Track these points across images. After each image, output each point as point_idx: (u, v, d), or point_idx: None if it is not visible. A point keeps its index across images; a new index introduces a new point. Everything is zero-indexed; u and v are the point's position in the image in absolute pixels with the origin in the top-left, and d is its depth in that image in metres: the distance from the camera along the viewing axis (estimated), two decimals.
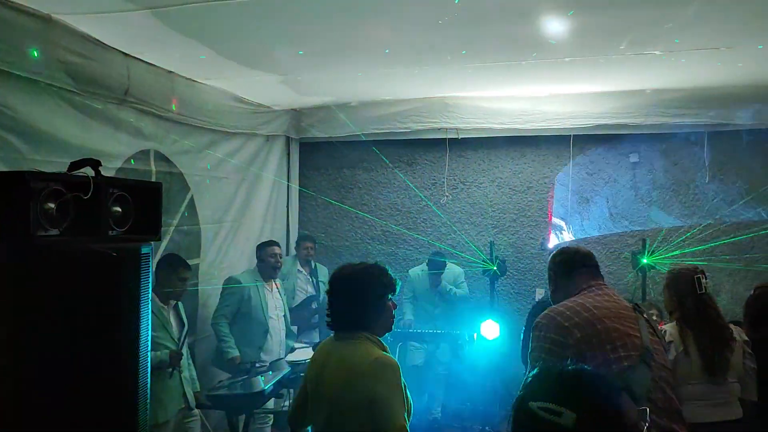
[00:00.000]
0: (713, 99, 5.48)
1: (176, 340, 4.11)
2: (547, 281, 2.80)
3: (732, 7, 3.46)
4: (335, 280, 2.59)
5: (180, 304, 4.30)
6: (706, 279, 3.47)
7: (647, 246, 5.85)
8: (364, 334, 2.48)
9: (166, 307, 4.15)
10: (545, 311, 2.53)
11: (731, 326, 3.49)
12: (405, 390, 2.41)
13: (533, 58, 4.45)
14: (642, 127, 5.79)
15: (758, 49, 4.19)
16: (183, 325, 4.28)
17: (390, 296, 2.55)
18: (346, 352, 2.47)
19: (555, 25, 3.76)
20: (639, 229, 6.03)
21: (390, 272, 2.57)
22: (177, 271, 4.15)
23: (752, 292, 4.06)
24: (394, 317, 2.59)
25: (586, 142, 6.15)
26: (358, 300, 2.49)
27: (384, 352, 2.46)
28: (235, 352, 4.70)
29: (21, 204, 2.08)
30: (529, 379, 1.32)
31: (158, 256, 4.26)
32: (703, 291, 3.42)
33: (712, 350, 3.29)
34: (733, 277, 5.81)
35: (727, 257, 5.82)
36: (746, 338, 3.50)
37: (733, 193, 5.80)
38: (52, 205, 2.19)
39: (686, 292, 3.41)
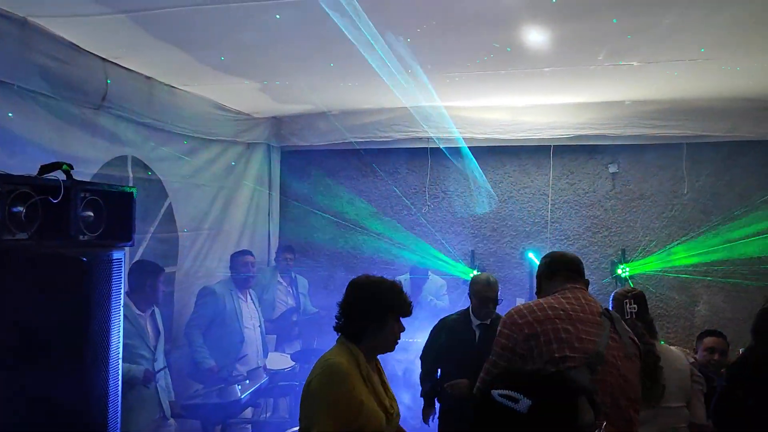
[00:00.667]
0: (692, 111, 5.55)
1: (152, 348, 4.05)
2: (539, 278, 2.96)
3: (707, 19, 3.50)
4: (348, 286, 2.59)
5: (157, 311, 4.24)
6: (633, 303, 3.48)
7: (626, 256, 5.91)
8: (348, 345, 2.48)
9: (143, 314, 4.10)
10: (514, 309, 2.73)
11: (680, 350, 3.54)
12: (353, 402, 2.36)
13: (513, 68, 4.47)
14: (621, 138, 5.83)
15: (733, 61, 4.25)
16: (159, 333, 4.22)
17: (395, 316, 2.52)
18: (322, 355, 2.49)
19: (533, 36, 3.78)
20: (618, 238, 6.07)
21: (404, 294, 2.55)
22: (153, 276, 4.09)
23: (764, 304, 4.06)
24: (397, 339, 2.55)
25: (566, 153, 6.18)
26: (358, 307, 2.50)
27: (338, 359, 2.42)
28: (212, 362, 4.63)
29: None
30: (494, 371, 1.40)
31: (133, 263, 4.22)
32: (628, 316, 3.39)
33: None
34: (710, 289, 5.86)
35: (704, 268, 5.86)
36: (693, 360, 3.51)
37: (711, 204, 5.85)
38: (21, 209, 2.16)
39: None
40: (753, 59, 4.25)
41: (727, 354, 4.16)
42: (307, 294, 6.15)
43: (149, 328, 4.14)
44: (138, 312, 4.05)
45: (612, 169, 6.10)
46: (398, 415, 2.57)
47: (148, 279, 4.11)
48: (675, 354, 3.51)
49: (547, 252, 3.06)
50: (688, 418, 3.36)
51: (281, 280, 5.99)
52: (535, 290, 2.99)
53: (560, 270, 2.86)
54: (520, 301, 6.12)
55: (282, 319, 5.73)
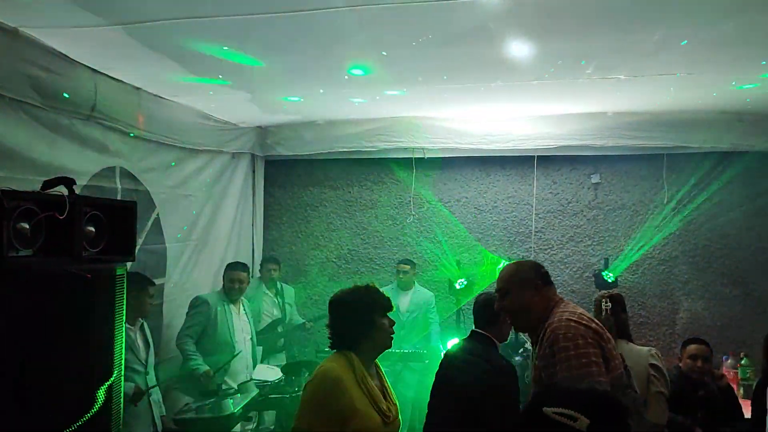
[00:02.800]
0: (671, 123, 5.70)
1: (143, 361, 4.00)
2: (522, 292, 2.64)
3: (694, 36, 3.60)
4: (329, 304, 2.76)
5: (146, 324, 4.19)
6: (608, 302, 3.64)
7: (608, 264, 6.01)
8: (344, 352, 2.62)
9: (132, 327, 4.05)
10: (568, 322, 2.44)
11: (651, 351, 3.63)
12: (343, 405, 2.46)
13: (502, 80, 4.53)
14: (603, 149, 5.95)
15: (714, 75, 4.37)
16: (149, 345, 4.18)
17: (381, 314, 2.68)
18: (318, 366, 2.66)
19: (523, 49, 3.84)
20: (601, 248, 6.17)
21: (380, 291, 2.72)
22: (144, 289, 4.06)
23: None
24: (391, 334, 2.70)
25: (550, 163, 6.28)
26: (344, 320, 2.67)
27: (331, 364, 2.57)
28: (206, 367, 4.57)
29: None
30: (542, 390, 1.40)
31: None
32: (603, 314, 3.57)
33: None
34: (690, 296, 5.98)
35: (685, 276, 5.99)
36: (655, 363, 3.61)
37: (690, 214, 5.99)
38: (26, 225, 2.12)
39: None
40: (733, 74, 4.39)
41: (710, 360, 4.25)
42: (293, 303, 6.12)
43: (139, 342, 4.10)
44: (128, 325, 3.96)
45: (594, 179, 6.21)
46: (398, 419, 2.66)
47: (135, 291, 4.04)
48: (635, 353, 3.58)
49: (530, 262, 2.86)
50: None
51: (267, 291, 5.95)
52: (528, 298, 2.64)
53: (550, 280, 2.71)
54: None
55: (267, 330, 5.69)
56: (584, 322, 2.43)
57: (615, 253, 6.11)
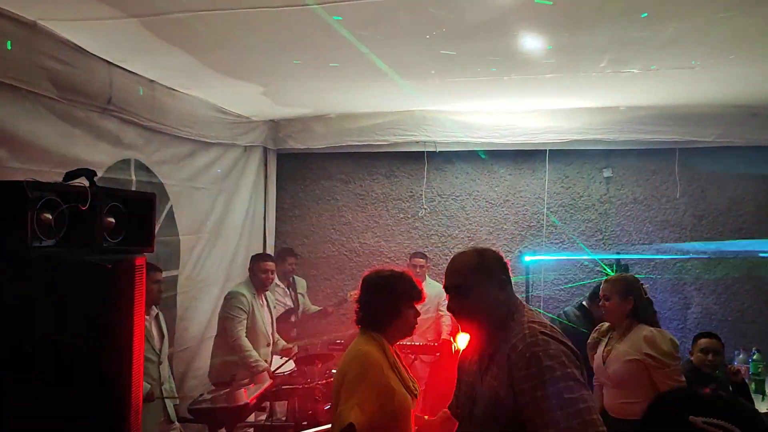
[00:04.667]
0: (685, 116, 5.67)
1: (157, 351, 4.08)
2: (486, 289, 2.21)
3: (709, 29, 3.58)
4: (362, 282, 2.78)
5: (161, 315, 4.25)
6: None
7: (620, 259, 6.00)
8: (372, 333, 2.66)
9: (147, 317, 4.08)
10: (543, 336, 2.05)
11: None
12: (385, 386, 2.51)
13: (516, 74, 4.53)
14: (616, 143, 5.94)
15: (729, 69, 4.35)
16: (163, 335, 4.24)
17: (409, 304, 2.70)
18: (350, 346, 2.71)
19: (537, 44, 3.84)
20: (612, 242, 6.16)
21: (412, 281, 2.74)
22: (148, 274, 4.09)
23: None
24: (414, 325, 2.74)
25: (561, 157, 6.27)
26: (374, 302, 2.69)
27: (368, 347, 2.60)
28: (264, 364, 4.72)
29: (18, 214, 2.04)
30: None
31: None
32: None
33: None
34: (702, 291, 5.97)
35: (697, 271, 5.98)
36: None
37: (703, 208, 5.97)
38: (49, 216, 2.15)
39: None
40: (747, 68, 4.36)
41: (722, 354, 4.25)
42: (305, 294, 6.17)
43: (154, 331, 4.16)
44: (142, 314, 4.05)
45: (606, 173, 6.20)
46: (419, 393, 2.73)
47: (149, 280, 4.09)
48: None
49: (490, 251, 2.31)
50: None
51: (279, 283, 6.00)
52: (495, 296, 2.21)
53: (508, 281, 2.25)
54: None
55: (281, 320, 5.74)
56: (558, 336, 2.07)
57: (626, 247, 6.10)
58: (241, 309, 4.87)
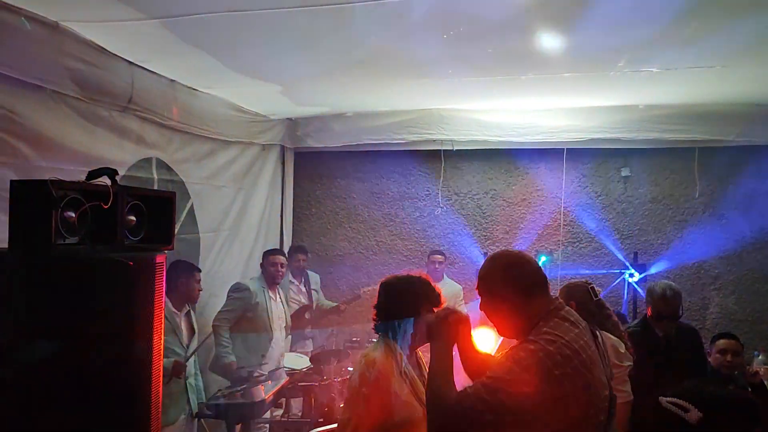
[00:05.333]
0: (703, 115, 5.62)
1: (185, 346, 4.19)
2: (489, 298, 2.14)
3: (729, 28, 3.55)
4: (380, 288, 2.75)
5: (192, 311, 4.37)
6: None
7: (638, 259, 5.97)
8: (387, 340, 2.62)
9: (178, 313, 4.25)
10: (527, 345, 1.95)
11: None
12: (387, 395, 2.49)
13: (533, 73, 4.52)
14: (634, 142, 5.90)
15: (751, 68, 4.31)
16: (194, 332, 4.37)
17: (428, 308, 2.63)
18: (362, 352, 2.70)
19: (555, 43, 3.83)
20: (630, 241, 6.12)
21: (431, 285, 2.70)
22: (192, 275, 4.26)
23: None
24: None
25: (579, 156, 6.24)
26: (390, 306, 2.66)
27: (375, 354, 2.57)
28: (232, 358, 4.69)
29: (43, 212, 2.09)
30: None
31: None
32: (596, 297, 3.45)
33: None
34: (721, 292, 5.92)
35: (716, 271, 5.93)
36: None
37: (723, 208, 5.92)
38: (73, 214, 2.20)
39: None
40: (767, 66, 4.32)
41: (740, 355, 4.21)
42: (319, 289, 6.22)
43: (183, 326, 4.28)
44: (174, 310, 4.21)
45: (624, 172, 6.17)
46: None
47: (183, 278, 4.26)
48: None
49: (504, 258, 2.19)
50: None
51: (293, 280, 6.06)
52: (500, 310, 2.12)
53: (536, 285, 2.09)
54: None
55: (295, 317, 5.79)
56: (547, 353, 1.90)
57: (644, 246, 6.07)
58: (234, 300, 4.92)
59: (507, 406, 1.84)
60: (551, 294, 2.13)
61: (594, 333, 2.10)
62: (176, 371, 3.96)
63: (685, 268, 6.01)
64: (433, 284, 2.72)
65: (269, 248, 5.52)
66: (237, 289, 4.97)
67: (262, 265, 5.24)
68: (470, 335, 2.28)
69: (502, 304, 2.09)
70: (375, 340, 2.75)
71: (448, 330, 2.18)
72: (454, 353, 2.20)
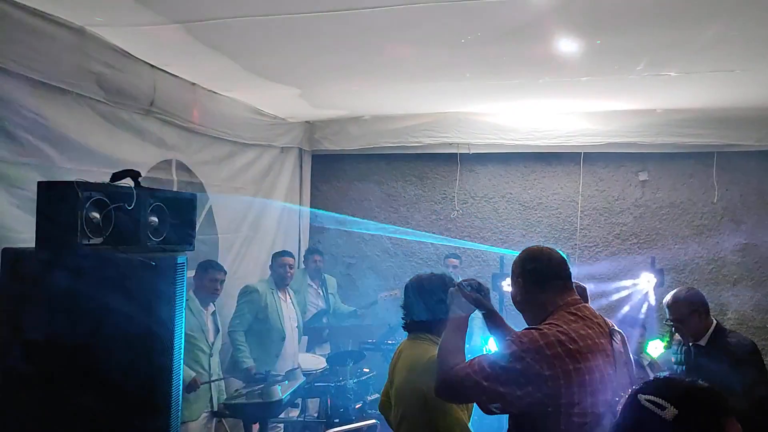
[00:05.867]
0: (723, 120, 5.59)
1: (210, 344, 4.32)
2: (512, 286, 2.37)
3: (750, 32, 3.54)
4: (407, 288, 2.81)
5: (216, 312, 4.49)
6: None
7: (656, 264, 5.93)
8: (429, 336, 2.67)
9: (205, 311, 4.37)
10: (525, 329, 2.18)
11: None
12: None
13: (550, 77, 4.53)
14: (652, 146, 5.88)
15: None
16: (218, 331, 4.49)
17: None
18: (410, 351, 2.70)
19: (573, 46, 3.84)
20: (648, 246, 6.10)
21: (453, 280, 2.75)
22: (217, 271, 4.41)
23: None
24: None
25: (596, 160, 6.23)
26: (423, 305, 2.70)
27: (428, 353, 2.60)
28: (251, 362, 4.75)
29: (69, 213, 2.15)
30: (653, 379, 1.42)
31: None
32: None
33: None
34: (739, 298, 5.87)
35: (734, 277, 5.88)
36: None
37: (741, 213, 5.87)
38: (97, 215, 2.26)
39: None
40: None
41: None
42: (336, 293, 6.25)
43: (210, 325, 4.39)
44: (201, 308, 4.34)
45: (642, 176, 6.14)
46: None
47: (211, 278, 4.39)
48: None
49: (529, 252, 2.36)
50: None
51: (311, 283, 6.10)
52: (517, 297, 2.34)
53: (552, 278, 2.27)
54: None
55: (313, 320, 5.83)
56: (537, 346, 2.07)
57: (662, 251, 6.04)
58: (245, 304, 4.97)
59: (501, 378, 2.05)
60: (571, 291, 2.29)
61: (611, 330, 2.24)
62: (189, 388, 4.05)
63: (703, 274, 5.96)
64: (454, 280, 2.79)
65: (280, 250, 5.56)
66: (245, 292, 5.03)
67: (271, 267, 5.29)
68: (490, 306, 2.50)
69: (519, 292, 2.32)
70: (391, 341, 2.79)
71: (467, 299, 2.38)
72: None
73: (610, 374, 2.12)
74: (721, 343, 3.45)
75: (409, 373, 2.60)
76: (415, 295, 2.75)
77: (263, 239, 5.92)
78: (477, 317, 5.98)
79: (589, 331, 2.14)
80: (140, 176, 2.51)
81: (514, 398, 2.04)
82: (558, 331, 2.09)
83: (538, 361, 2.02)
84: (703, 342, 3.51)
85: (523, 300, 2.31)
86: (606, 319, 2.31)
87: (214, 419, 4.36)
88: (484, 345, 5.28)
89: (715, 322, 3.58)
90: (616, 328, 2.30)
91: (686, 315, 3.53)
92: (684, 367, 3.66)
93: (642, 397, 1.34)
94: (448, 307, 2.43)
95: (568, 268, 2.32)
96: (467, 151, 6.39)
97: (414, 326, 2.75)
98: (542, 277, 2.26)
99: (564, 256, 2.38)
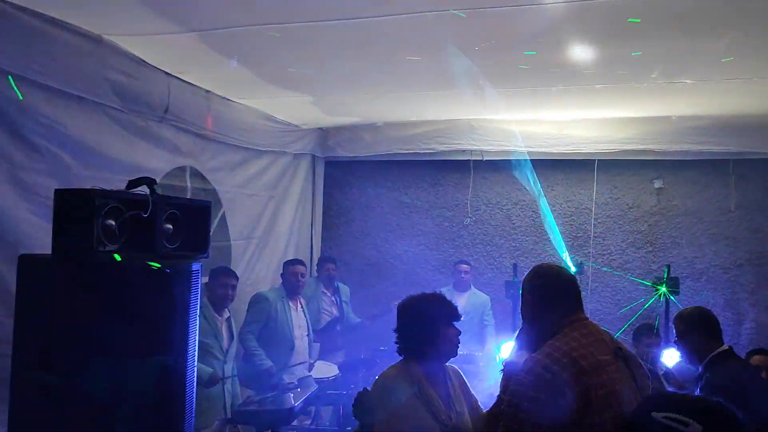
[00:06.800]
0: (739, 127, 5.52)
1: (224, 350, 4.35)
2: (521, 302, 2.43)
3: (764, 41, 3.51)
4: (398, 311, 2.78)
5: (232, 318, 4.52)
6: None
7: (670, 272, 5.87)
8: (407, 360, 2.68)
9: (219, 318, 4.39)
10: (534, 355, 2.21)
11: None
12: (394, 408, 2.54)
13: (564, 85, 4.52)
14: (667, 153, 5.83)
15: None
16: (232, 337, 4.51)
17: (447, 324, 2.68)
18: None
19: (587, 54, 3.83)
20: (663, 254, 6.04)
21: (447, 300, 2.73)
22: (229, 277, 4.43)
23: None
24: (456, 344, 2.70)
25: (611, 167, 6.19)
26: (410, 327, 2.70)
27: (388, 372, 2.67)
28: (269, 363, 4.75)
29: (86, 220, 2.16)
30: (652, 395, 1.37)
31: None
32: None
33: None
34: (757, 307, 5.80)
35: (752, 285, 5.81)
36: None
37: (759, 222, 5.81)
38: (113, 222, 2.27)
39: None
40: None
41: None
42: (349, 302, 6.24)
43: (224, 332, 4.41)
44: (215, 315, 4.37)
45: (657, 184, 6.09)
46: (462, 424, 2.64)
47: (222, 283, 4.41)
48: None
49: (537, 268, 2.44)
50: None
51: (325, 291, 6.09)
52: (524, 314, 2.42)
53: (561, 296, 2.32)
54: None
55: (327, 329, 5.82)
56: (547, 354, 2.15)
57: (677, 259, 5.98)
58: (255, 312, 4.96)
59: (523, 410, 2.09)
60: (578, 309, 2.32)
61: (617, 347, 2.27)
62: (210, 383, 4.12)
63: (720, 282, 5.90)
64: (448, 300, 2.75)
65: (292, 258, 5.56)
66: (256, 300, 5.02)
67: (283, 275, 5.25)
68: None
69: (527, 308, 2.38)
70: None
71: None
72: None
73: (617, 390, 2.11)
74: (709, 376, 3.19)
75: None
76: (405, 318, 2.72)
77: (276, 246, 5.94)
78: (489, 324, 5.95)
79: (593, 350, 2.17)
80: (156, 183, 2.52)
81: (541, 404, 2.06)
82: (560, 353, 2.12)
83: (555, 377, 2.06)
84: (701, 367, 3.28)
85: (531, 316, 2.36)
86: (612, 335, 2.34)
87: (228, 426, 4.36)
88: (497, 353, 5.25)
89: (722, 348, 3.30)
90: (621, 345, 2.32)
91: (683, 334, 3.37)
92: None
93: (658, 415, 1.29)
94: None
95: (577, 287, 2.36)
96: (480, 158, 6.38)
97: (407, 351, 2.71)
98: (549, 294, 2.31)
99: (576, 269, 2.43)
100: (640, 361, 2.36)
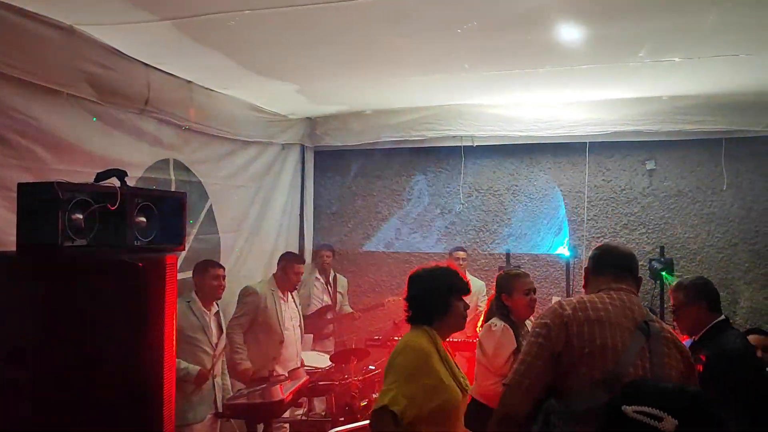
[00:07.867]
0: (730, 105, 5.46)
1: (213, 345, 4.30)
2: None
3: (752, 16, 3.44)
4: (409, 280, 2.80)
5: (221, 312, 4.47)
6: None
7: (665, 253, 5.84)
8: (425, 327, 2.66)
9: (208, 312, 4.34)
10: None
11: None
12: (434, 378, 2.52)
13: (551, 66, 4.44)
14: (658, 134, 5.76)
15: None
16: (222, 331, 4.48)
17: (457, 297, 2.71)
18: (401, 340, 2.71)
19: (573, 34, 3.76)
20: (656, 236, 5.99)
21: (458, 274, 2.77)
22: (207, 271, 4.36)
23: None
24: (464, 317, 2.74)
25: (602, 149, 6.12)
26: (421, 297, 2.72)
27: (419, 340, 2.61)
28: (247, 365, 4.71)
29: (50, 215, 2.11)
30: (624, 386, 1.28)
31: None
32: None
33: None
34: (751, 286, 5.76)
35: (746, 265, 5.77)
36: None
37: (751, 200, 5.75)
38: (80, 216, 2.22)
39: None
40: None
41: None
42: (345, 294, 6.21)
43: (213, 326, 4.36)
44: (204, 309, 4.32)
45: (649, 165, 6.03)
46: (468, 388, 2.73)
47: (211, 275, 4.37)
48: None
49: (602, 243, 2.76)
50: None
51: (318, 276, 6.07)
52: (584, 287, 2.67)
53: (607, 266, 2.54)
54: (555, 300, 6.11)
55: (316, 315, 5.79)
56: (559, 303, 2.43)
57: (671, 240, 5.93)
58: (244, 305, 4.91)
59: (541, 334, 2.33)
60: (621, 280, 2.48)
61: (645, 321, 2.33)
62: (199, 380, 4.09)
63: (714, 262, 5.86)
64: (458, 273, 2.79)
65: (289, 250, 5.50)
66: (245, 293, 4.96)
67: (280, 268, 5.14)
68: None
69: (584, 277, 2.66)
70: (396, 338, 2.76)
71: None
72: None
73: (617, 348, 2.20)
74: (709, 346, 3.15)
75: (390, 357, 2.63)
76: (416, 287, 2.74)
77: (265, 237, 5.88)
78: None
79: (615, 310, 2.33)
80: (127, 175, 2.46)
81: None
82: (579, 301, 2.37)
83: (556, 317, 2.33)
84: (696, 338, 3.25)
85: (585, 283, 2.63)
86: (647, 311, 2.42)
87: (219, 420, 4.33)
88: None
89: (719, 318, 3.29)
90: (651, 321, 2.35)
91: (683, 304, 3.34)
92: None
93: (629, 409, 1.19)
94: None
95: (628, 261, 2.56)
96: (471, 144, 6.31)
97: (417, 320, 2.72)
98: (598, 264, 2.57)
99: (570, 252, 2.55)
100: (678, 343, 2.34)
